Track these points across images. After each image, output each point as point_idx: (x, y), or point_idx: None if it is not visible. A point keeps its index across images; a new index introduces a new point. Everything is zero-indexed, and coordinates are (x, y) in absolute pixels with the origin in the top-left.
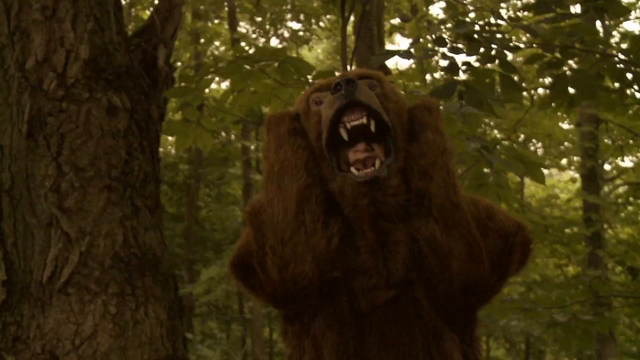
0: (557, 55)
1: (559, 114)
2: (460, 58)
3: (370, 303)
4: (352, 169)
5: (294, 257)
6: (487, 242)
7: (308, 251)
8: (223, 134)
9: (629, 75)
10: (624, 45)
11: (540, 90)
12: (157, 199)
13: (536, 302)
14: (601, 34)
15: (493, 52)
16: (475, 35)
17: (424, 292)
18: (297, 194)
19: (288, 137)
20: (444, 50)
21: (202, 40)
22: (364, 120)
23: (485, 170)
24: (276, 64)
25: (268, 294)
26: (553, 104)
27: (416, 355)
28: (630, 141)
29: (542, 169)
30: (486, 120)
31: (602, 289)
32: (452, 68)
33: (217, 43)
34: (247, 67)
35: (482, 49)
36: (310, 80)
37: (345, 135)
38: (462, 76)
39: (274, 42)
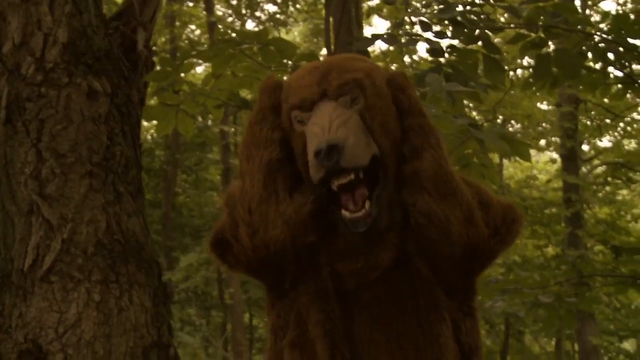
0: (541, 34)
1: (538, 94)
2: (444, 42)
3: (357, 283)
4: (343, 212)
5: (263, 223)
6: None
7: (278, 217)
8: (200, 119)
9: (611, 55)
10: (604, 25)
11: (519, 72)
12: (139, 184)
13: (520, 282)
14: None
15: (476, 33)
16: (459, 18)
17: (425, 263)
18: (267, 165)
19: (269, 113)
20: (429, 35)
21: (177, 24)
22: (352, 176)
23: (468, 151)
24: (257, 47)
25: (243, 264)
26: (535, 85)
27: (407, 334)
28: (608, 121)
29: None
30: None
31: (585, 268)
32: (437, 52)
33: (192, 27)
34: (230, 50)
35: (465, 30)
36: (291, 64)
37: (335, 188)
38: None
39: (250, 25)
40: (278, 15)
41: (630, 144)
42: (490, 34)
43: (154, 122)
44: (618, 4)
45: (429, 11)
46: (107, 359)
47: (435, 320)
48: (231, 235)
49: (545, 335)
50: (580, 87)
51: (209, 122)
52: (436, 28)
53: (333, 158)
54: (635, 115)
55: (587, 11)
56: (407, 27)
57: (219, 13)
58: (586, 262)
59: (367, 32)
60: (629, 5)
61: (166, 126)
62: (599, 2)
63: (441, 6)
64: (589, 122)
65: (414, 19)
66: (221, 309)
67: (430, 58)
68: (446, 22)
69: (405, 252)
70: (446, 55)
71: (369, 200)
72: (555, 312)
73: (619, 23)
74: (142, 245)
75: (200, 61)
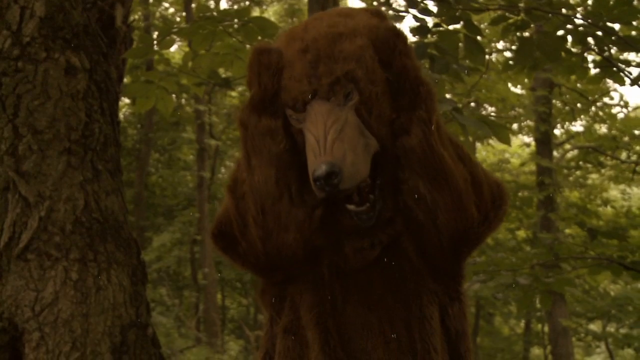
0: (523, 16)
1: (513, 77)
2: (429, 20)
3: (360, 263)
4: (348, 205)
5: (276, 227)
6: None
7: (291, 220)
8: (174, 97)
9: (590, 40)
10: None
11: (494, 55)
12: (117, 162)
13: (497, 264)
14: None
15: (457, 13)
16: None
17: (412, 245)
18: (277, 159)
19: (270, 96)
20: (414, 12)
21: (151, 1)
22: (355, 193)
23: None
24: (238, 25)
25: (252, 264)
26: (515, 68)
27: (399, 316)
28: (579, 105)
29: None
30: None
31: (561, 250)
32: (422, 30)
33: (166, 4)
34: (210, 27)
35: (449, 10)
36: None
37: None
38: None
39: (225, 4)
40: None
41: (601, 129)
42: (471, 14)
43: (127, 100)
44: None
45: None
46: (85, 339)
47: (425, 304)
48: (239, 232)
49: (515, 317)
50: (559, 70)
51: (183, 101)
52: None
53: (332, 182)
54: (607, 100)
55: None
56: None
57: None
58: (563, 245)
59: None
60: None
61: (146, 103)
62: None
63: None
64: (561, 106)
65: None
66: (194, 289)
67: (414, 38)
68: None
69: (396, 232)
70: (429, 35)
71: (372, 195)
72: (532, 293)
73: (600, 7)
74: (120, 224)
75: (177, 39)
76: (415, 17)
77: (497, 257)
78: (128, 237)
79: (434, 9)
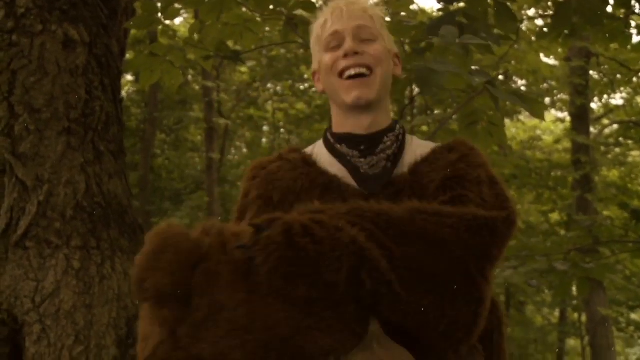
0: None
1: (546, 48)
2: None
3: None
4: None
5: None
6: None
7: None
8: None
9: (635, 3)
10: None
11: (524, 24)
12: (120, 143)
13: (531, 249)
14: None
15: None
16: None
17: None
18: None
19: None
20: None
21: None
22: None
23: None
24: None
25: None
26: (552, 34)
27: None
28: (619, 76)
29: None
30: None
31: (602, 234)
32: None
33: None
34: None
35: None
36: (286, 13)
37: None
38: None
39: None
40: None
41: None
42: None
43: (129, 77)
44: None
45: None
46: (88, 331)
47: None
48: None
49: (549, 306)
50: (598, 38)
51: (190, 78)
52: None
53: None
54: None
55: None
56: None
57: None
58: (604, 227)
59: None
60: None
61: (151, 77)
62: None
63: None
64: (598, 77)
65: None
66: None
67: (438, 6)
68: None
69: None
70: (455, 3)
71: None
72: (569, 280)
73: None
74: (124, 209)
75: (183, 10)
76: None
77: (530, 242)
78: (133, 223)
79: None
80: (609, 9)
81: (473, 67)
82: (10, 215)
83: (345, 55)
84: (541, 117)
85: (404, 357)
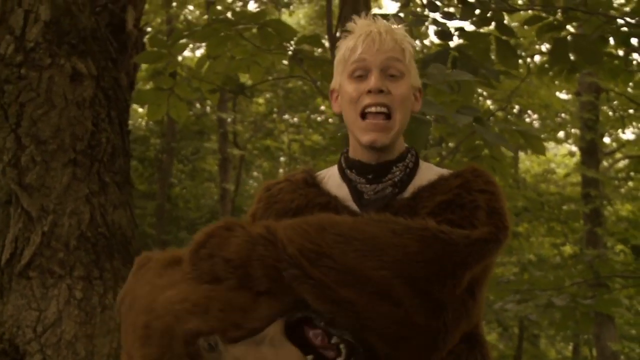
0: (559, 17)
1: (557, 83)
2: (452, 24)
3: None
4: None
5: None
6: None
7: None
8: (198, 105)
9: (634, 41)
10: (628, 9)
11: (537, 58)
12: (126, 174)
13: (533, 284)
14: None
15: (489, 14)
16: None
17: None
18: None
19: None
20: (436, 16)
21: (174, 4)
22: None
23: (478, 142)
24: (255, 28)
25: None
26: (551, 71)
27: None
28: (631, 111)
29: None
30: (479, 90)
31: (603, 268)
32: (445, 35)
33: (190, 7)
34: (225, 31)
35: (477, 12)
36: (292, 47)
37: None
38: (455, 42)
39: (252, 6)
40: None
41: None
42: (504, 14)
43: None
44: None
45: None
46: None
47: None
48: None
49: (562, 339)
50: (602, 74)
51: (207, 109)
52: (448, 9)
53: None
54: None
55: None
56: (417, 8)
57: None
58: (604, 262)
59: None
60: None
61: (157, 111)
62: None
63: None
64: (610, 113)
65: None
66: None
67: (438, 42)
68: (456, 2)
69: None
70: (455, 38)
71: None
72: (571, 315)
73: None
74: (128, 239)
75: (197, 44)
76: (435, 20)
77: (534, 276)
78: (136, 253)
79: (458, 12)
80: (610, 46)
81: (462, 105)
82: (15, 245)
83: (369, 92)
84: (541, 153)
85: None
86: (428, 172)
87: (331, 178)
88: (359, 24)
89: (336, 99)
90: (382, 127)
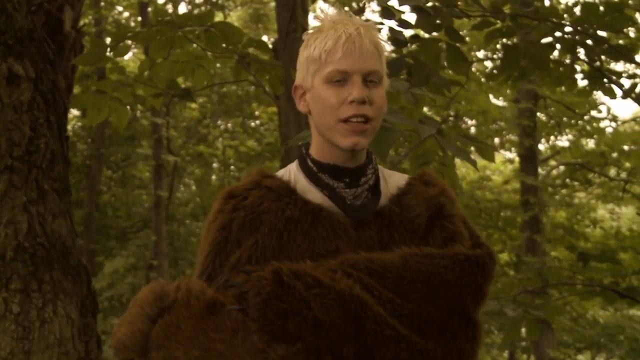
0: (509, 23)
1: (494, 89)
2: (408, 32)
3: None
4: None
5: None
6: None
7: None
8: (128, 108)
9: (580, 49)
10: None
11: (474, 65)
12: (66, 181)
13: None
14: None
15: (438, 21)
16: (423, 5)
17: None
18: None
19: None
20: (392, 23)
21: (102, 4)
22: None
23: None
24: (201, 30)
25: None
26: (501, 76)
27: None
28: (565, 118)
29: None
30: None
31: (551, 276)
32: (400, 43)
33: (120, 8)
34: (170, 33)
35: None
36: (238, 51)
37: None
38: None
39: (184, 8)
40: None
41: (588, 144)
42: (453, 20)
43: (76, 112)
44: None
45: None
46: None
47: None
48: None
49: (498, 347)
50: (546, 81)
51: (138, 113)
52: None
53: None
54: (594, 113)
55: None
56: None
57: None
58: (554, 269)
59: (312, 18)
60: None
61: (98, 115)
62: None
63: None
64: (545, 119)
65: (376, 6)
66: None
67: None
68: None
69: None
70: (408, 46)
71: None
72: (520, 323)
73: (589, 14)
74: (68, 249)
75: (133, 46)
76: (391, 29)
77: None
78: (77, 264)
79: (413, 20)
80: (556, 53)
81: (424, 116)
82: None
83: (352, 102)
84: (491, 160)
85: None
86: (390, 176)
87: (298, 183)
88: (333, 20)
89: (301, 97)
90: (362, 131)
